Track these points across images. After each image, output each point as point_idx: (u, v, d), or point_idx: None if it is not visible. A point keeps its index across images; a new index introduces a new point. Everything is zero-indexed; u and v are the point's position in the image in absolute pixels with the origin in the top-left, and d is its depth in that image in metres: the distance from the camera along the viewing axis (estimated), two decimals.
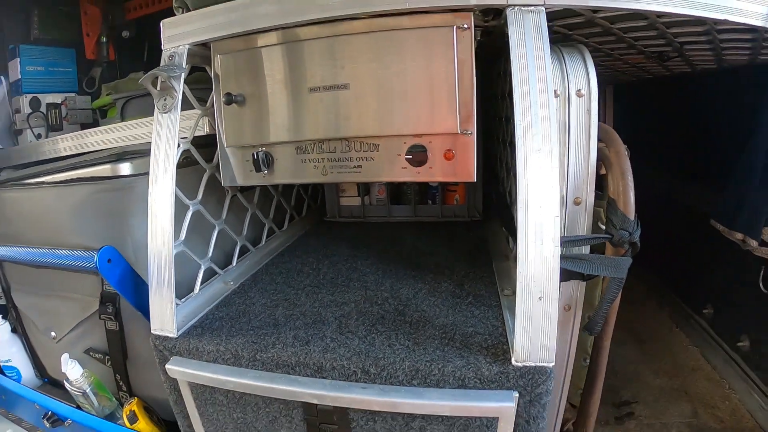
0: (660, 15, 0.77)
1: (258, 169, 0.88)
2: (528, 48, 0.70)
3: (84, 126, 1.71)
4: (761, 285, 1.21)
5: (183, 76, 0.85)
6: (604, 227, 0.84)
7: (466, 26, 0.75)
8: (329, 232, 1.43)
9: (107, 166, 0.99)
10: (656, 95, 1.84)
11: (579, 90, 0.79)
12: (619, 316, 0.88)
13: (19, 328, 1.33)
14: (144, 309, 0.93)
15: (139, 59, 1.79)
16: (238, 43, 0.85)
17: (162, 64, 0.87)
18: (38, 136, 1.61)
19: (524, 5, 0.71)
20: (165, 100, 0.84)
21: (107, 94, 1.34)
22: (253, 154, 0.88)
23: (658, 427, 1.24)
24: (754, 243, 1.16)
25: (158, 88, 0.84)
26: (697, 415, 1.26)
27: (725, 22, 0.76)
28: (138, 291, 0.99)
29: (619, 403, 1.32)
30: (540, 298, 0.68)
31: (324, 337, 0.80)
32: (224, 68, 0.88)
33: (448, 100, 0.78)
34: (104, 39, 1.73)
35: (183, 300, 0.89)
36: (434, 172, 0.81)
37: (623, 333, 1.61)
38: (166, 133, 0.84)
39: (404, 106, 0.79)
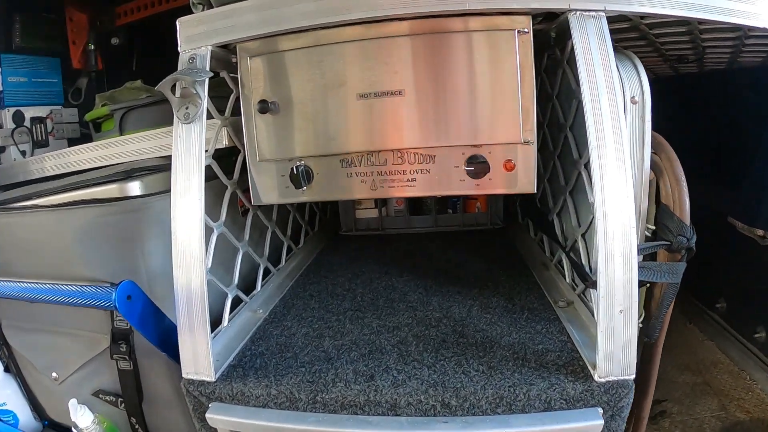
0: (702, 21, 0.73)
1: (298, 186, 0.75)
2: (594, 55, 0.64)
3: (71, 141, 1.53)
4: None
5: (207, 81, 0.73)
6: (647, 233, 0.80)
7: (526, 30, 0.67)
8: (348, 247, 1.31)
9: (114, 186, 0.84)
10: (666, 93, 1.77)
11: (633, 97, 0.73)
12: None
13: (12, 368, 1.13)
14: (168, 348, 0.80)
15: (128, 68, 1.62)
16: (271, 44, 0.73)
17: (180, 68, 0.74)
18: (23, 153, 1.44)
19: (586, 10, 0.65)
20: (187, 108, 0.71)
21: (102, 105, 1.19)
22: (291, 169, 0.75)
23: (691, 423, 1.20)
24: None
25: (178, 95, 0.71)
26: (724, 409, 1.23)
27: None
28: (160, 328, 0.84)
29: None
30: (621, 311, 0.63)
31: (389, 369, 0.68)
32: (255, 73, 0.74)
33: (510, 108, 0.69)
34: (92, 47, 1.55)
35: (213, 335, 0.76)
36: (494, 184, 0.72)
37: None
38: (189, 147, 0.70)
39: (463, 115, 0.70)
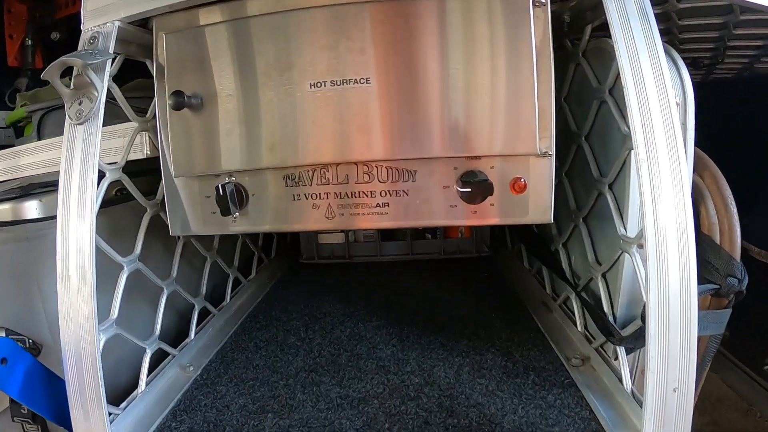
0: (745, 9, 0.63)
1: (226, 211, 0.54)
2: (638, 40, 0.49)
3: (3, 149, 1.35)
4: None
5: (109, 65, 0.53)
6: None
7: (543, 0, 0.48)
8: (309, 278, 1.10)
9: (7, 206, 0.67)
10: None
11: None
12: None
13: None
14: (67, 423, 0.61)
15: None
16: (194, 16, 0.53)
17: (80, 48, 0.56)
18: None
19: None
20: (80, 103, 0.52)
21: (21, 105, 0.99)
22: (216, 188, 0.55)
23: None
24: None
25: (71, 86, 0.53)
26: None
27: None
28: (54, 397, 0.65)
29: None
30: (675, 389, 0.47)
31: None
32: (172, 54, 0.54)
33: (523, 106, 0.49)
34: (29, 42, 1.36)
35: (123, 406, 0.58)
36: (497, 212, 0.52)
37: None
38: (81, 155, 0.52)
39: (455, 114, 0.50)
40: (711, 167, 0.67)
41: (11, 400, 0.70)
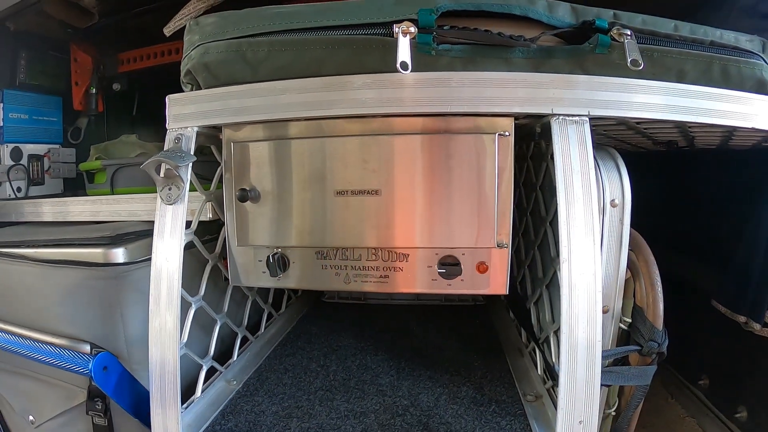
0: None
1: (273, 273, 0.77)
2: (574, 164, 0.65)
3: (67, 181, 1.57)
4: None
5: (191, 165, 0.75)
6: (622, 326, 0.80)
7: (507, 133, 0.69)
8: (330, 316, 1.31)
9: (99, 251, 0.85)
10: (656, 165, 1.79)
11: (613, 200, 0.74)
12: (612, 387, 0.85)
13: None
14: (141, 416, 0.83)
15: (128, 113, 1.66)
16: (255, 131, 0.76)
17: (167, 146, 0.76)
18: (18, 190, 1.46)
19: (569, 115, 0.66)
20: (170, 189, 0.74)
21: (96, 158, 1.22)
22: (268, 257, 0.78)
23: None
24: (757, 326, 1.11)
25: (162, 175, 0.74)
26: None
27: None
28: (135, 397, 0.86)
29: None
30: (580, 422, 0.63)
31: None
32: (237, 159, 0.77)
33: (486, 211, 0.71)
34: (93, 90, 1.58)
35: (185, 406, 0.78)
36: (466, 285, 0.74)
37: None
38: (170, 228, 0.72)
39: (438, 217, 0.72)
40: (644, 251, 0.81)
41: (88, 396, 0.90)
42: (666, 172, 1.74)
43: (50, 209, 1.15)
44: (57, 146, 1.59)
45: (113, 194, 1.15)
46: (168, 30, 1.25)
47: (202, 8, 1.00)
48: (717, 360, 1.43)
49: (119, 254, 0.85)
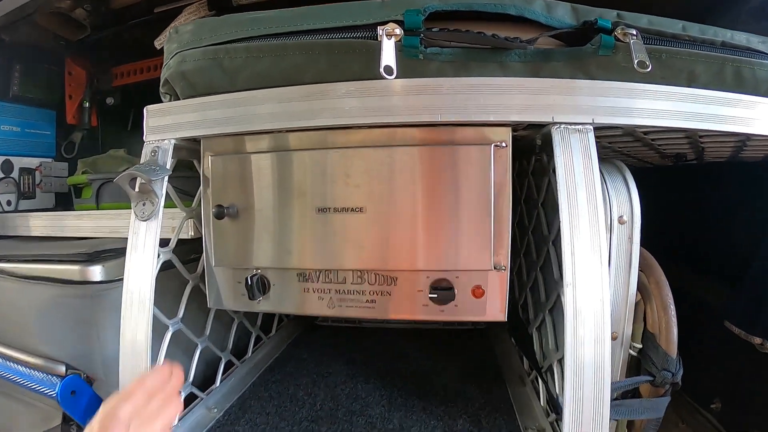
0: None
1: (252, 296, 0.70)
2: (577, 177, 0.59)
3: (59, 196, 1.52)
4: None
5: (166, 179, 0.70)
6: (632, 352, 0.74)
7: (504, 144, 0.62)
8: (322, 340, 1.22)
9: (76, 268, 0.81)
10: (659, 180, 1.72)
11: (621, 216, 0.68)
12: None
13: None
14: None
15: (123, 128, 1.61)
16: (234, 143, 0.70)
17: (143, 159, 0.71)
18: (8, 204, 1.41)
19: (571, 123, 0.60)
20: (144, 205, 0.69)
21: (83, 172, 1.17)
22: (246, 279, 0.71)
23: None
24: None
25: (137, 189, 0.68)
26: None
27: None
28: None
29: None
30: None
31: None
32: (215, 172, 0.71)
33: (481, 231, 0.64)
34: (87, 104, 1.54)
35: None
36: (460, 311, 0.66)
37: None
38: (143, 245, 0.67)
39: (428, 237, 0.65)
40: (656, 272, 0.75)
41: (63, 420, 0.86)
42: (673, 186, 1.68)
43: (36, 224, 1.12)
44: (49, 160, 1.55)
45: (98, 209, 1.10)
46: (158, 43, 1.21)
47: (192, 21, 0.95)
48: (730, 383, 1.35)
49: (96, 272, 0.81)
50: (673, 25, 0.64)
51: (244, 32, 0.63)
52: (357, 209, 0.65)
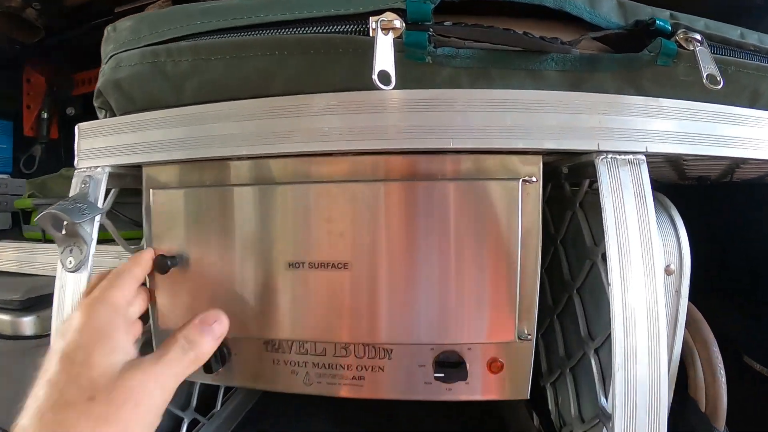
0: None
1: (208, 369, 0.52)
2: (629, 220, 0.45)
3: (15, 216, 1.34)
4: None
5: (98, 219, 0.54)
6: None
7: (533, 179, 0.47)
8: None
9: (6, 318, 0.69)
10: (675, 200, 1.61)
11: (669, 266, 0.55)
12: None
13: None
14: None
15: None
16: (181, 173, 0.53)
17: (72, 191, 0.56)
18: None
19: (621, 152, 0.46)
20: (71, 251, 0.53)
21: (29, 195, 1.01)
22: None
23: None
24: None
25: (63, 232, 0.53)
26: None
27: None
28: None
29: None
30: None
31: None
32: (158, 211, 0.54)
33: (503, 291, 0.48)
34: (45, 114, 1.39)
35: None
36: (471, 390, 0.50)
37: None
38: (71, 303, 0.53)
39: (433, 300, 0.49)
40: (703, 331, 0.65)
41: None
42: (686, 206, 1.56)
43: None
44: (5, 176, 1.39)
45: (45, 241, 0.94)
46: None
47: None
48: (750, 424, 1.25)
49: (28, 325, 0.71)
50: (732, 31, 0.51)
51: (192, 27, 0.48)
52: (340, 265, 0.49)
